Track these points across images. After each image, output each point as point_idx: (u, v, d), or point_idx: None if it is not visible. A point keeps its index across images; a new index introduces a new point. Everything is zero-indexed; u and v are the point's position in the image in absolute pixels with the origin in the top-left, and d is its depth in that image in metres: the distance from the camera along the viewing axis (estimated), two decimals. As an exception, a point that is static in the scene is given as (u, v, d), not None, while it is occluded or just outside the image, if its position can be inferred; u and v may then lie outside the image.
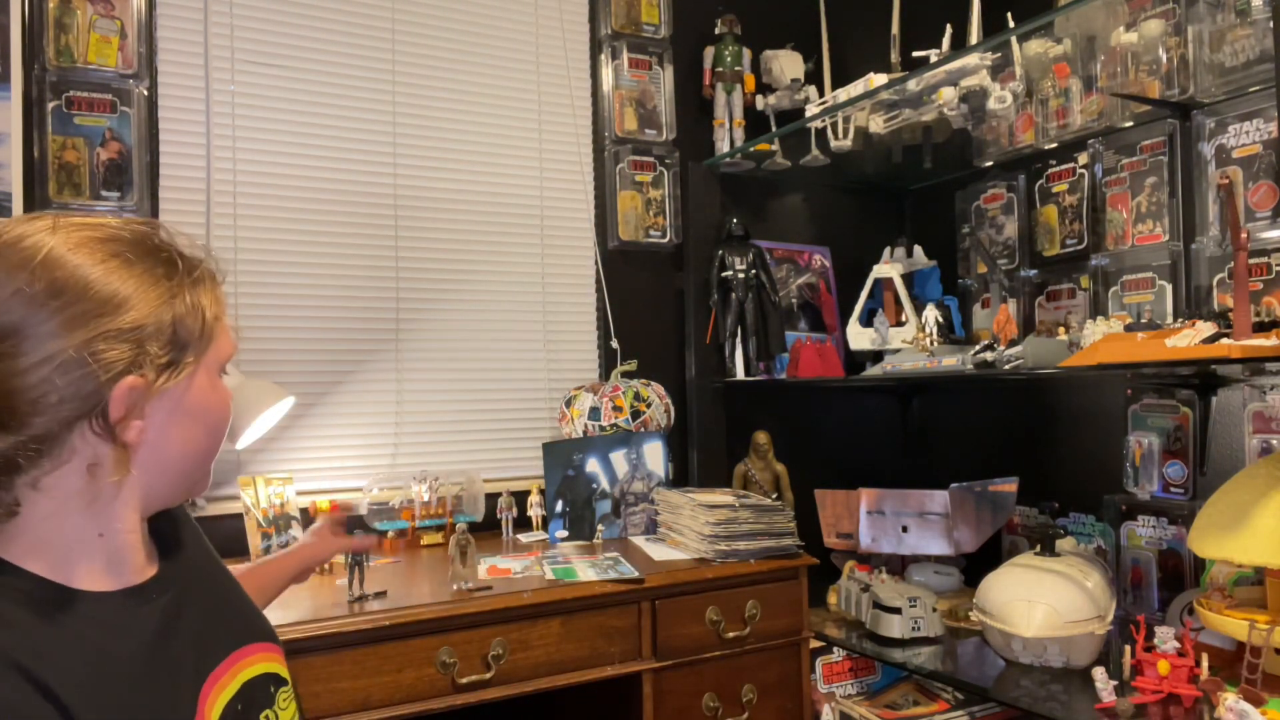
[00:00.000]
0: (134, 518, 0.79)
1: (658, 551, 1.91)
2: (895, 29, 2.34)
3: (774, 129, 2.46)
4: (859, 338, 2.40)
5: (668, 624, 1.70)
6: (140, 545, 0.80)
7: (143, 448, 0.76)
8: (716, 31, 2.51)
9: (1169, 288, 1.98)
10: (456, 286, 2.27)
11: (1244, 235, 1.44)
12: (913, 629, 1.92)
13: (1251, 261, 1.79)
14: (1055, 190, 2.26)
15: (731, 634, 1.75)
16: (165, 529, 0.88)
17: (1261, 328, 1.57)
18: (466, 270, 2.28)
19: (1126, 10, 2.00)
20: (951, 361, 1.91)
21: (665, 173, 2.48)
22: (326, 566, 1.79)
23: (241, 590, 0.94)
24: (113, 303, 0.72)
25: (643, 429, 2.17)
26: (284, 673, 0.90)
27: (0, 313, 0.69)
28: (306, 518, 1.99)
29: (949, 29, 2.09)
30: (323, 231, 2.12)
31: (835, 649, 2.00)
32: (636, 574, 1.69)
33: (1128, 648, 1.60)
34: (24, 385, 0.69)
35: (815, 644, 1.93)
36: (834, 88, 2.37)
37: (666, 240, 2.48)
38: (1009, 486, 2.16)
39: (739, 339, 2.40)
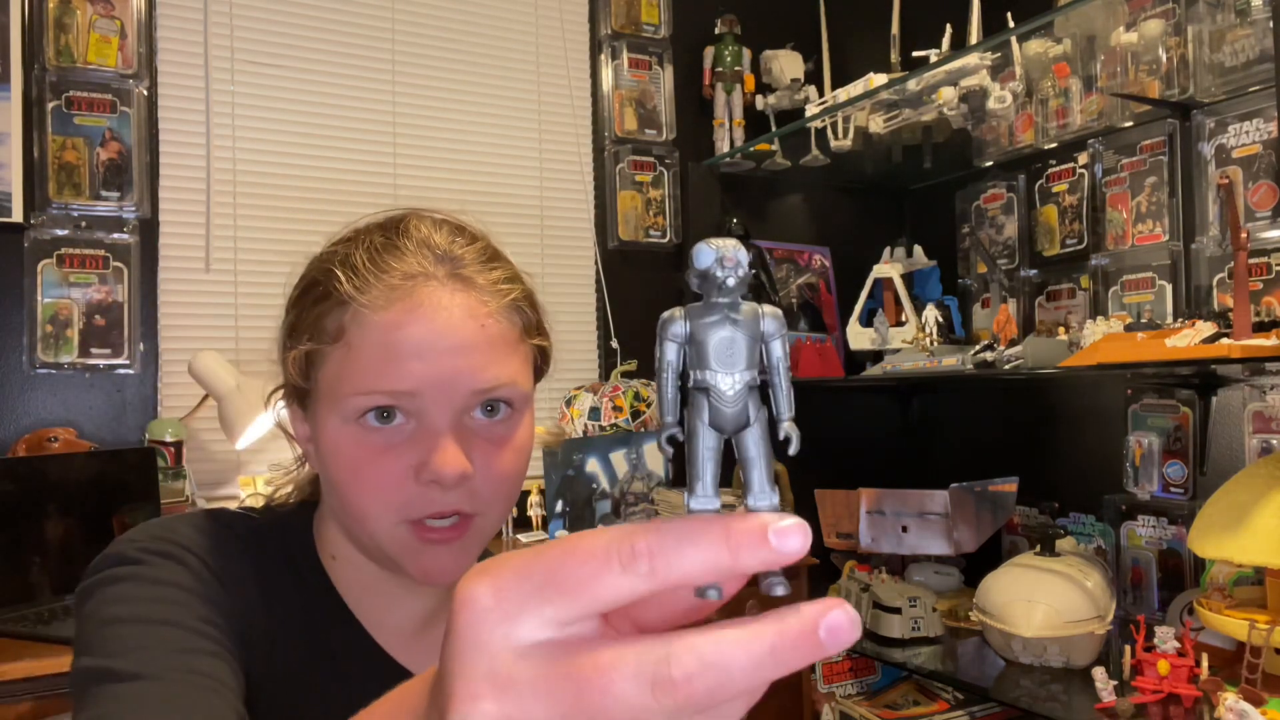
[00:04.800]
0: None
1: (658, 551, 1.91)
2: (895, 29, 2.34)
3: (774, 129, 2.46)
4: (859, 338, 2.40)
5: (668, 624, 1.70)
6: None
7: None
8: (716, 31, 2.51)
9: (1169, 288, 1.98)
10: (456, 286, 2.26)
11: (1244, 235, 1.44)
12: (913, 629, 1.91)
13: (1251, 261, 1.79)
14: (1055, 190, 2.26)
15: (731, 634, 1.75)
16: None
17: (1261, 328, 1.57)
18: (466, 270, 2.27)
19: (1126, 10, 2.00)
20: (951, 361, 1.90)
21: (665, 173, 2.48)
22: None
23: None
24: None
25: (643, 429, 2.16)
26: None
27: None
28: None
29: (949, 29, 2.09)
30: (323, 232, 2.10)
31: (835, 649, 1.99)
32: (636, 574, 1.69)
33: (1128, 648, 1.60)
34: None
35: (815, 644, 1.92)
36: (834, 88, 2.37)
37: (666, 240, 2.48)
38: (1009, 486, 2.16)
39: (739, 339, 2.39)
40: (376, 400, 0.64)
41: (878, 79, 2.04)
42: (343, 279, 0.66)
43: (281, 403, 0.74)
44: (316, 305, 0.68)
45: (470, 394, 0.66)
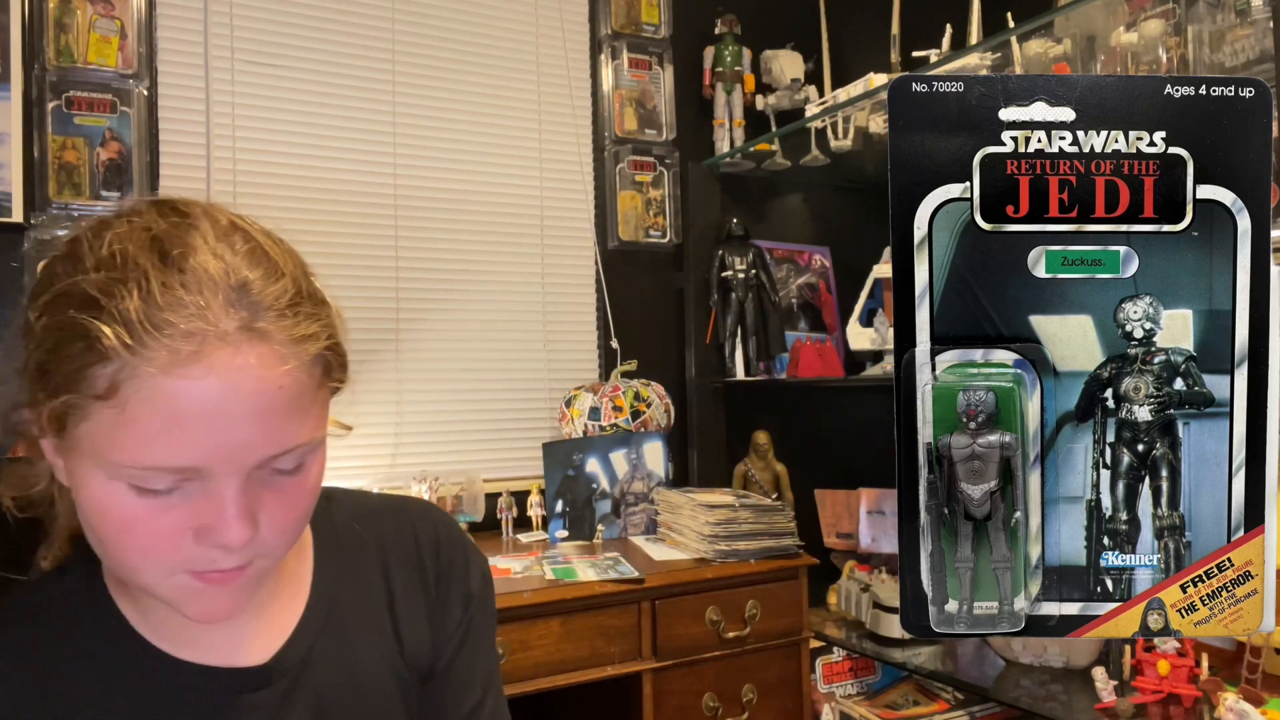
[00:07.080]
0: None
1: (658, 551, 1.91)
2: (895, 29, 2.34)
3: (774, 129, 2.46)
4: (859, 338, 2.40)
5: (668, 624, 1.70)
6: None
7: None
8: (716, 31, 2.51)
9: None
10: (456, 286, 2.26)
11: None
12: (913, 629, 1.92)
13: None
14: (1055, 190, 2.26)
15: (731, 634, 1.75)
16: None
17: None
18: (466, 270, 2.28)
19: (1126, 10, 2.00)
20: (951, 361, 1.90)
21: (665, 173, 2.48)
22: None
23: None
24: None
25: (643, 429, 2.17)
26: None
27: None
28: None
29: (949, 29, 2.09)
30: (323, 231, 2.12)
31: (835, 649, 2.00)
32: (636, 574, 1.69)
33: (1128, 648, 1.60)
34: None
35: (815, 644, 1.93)
36: (834, 88, 2.37)
37: (666, 240, 2.48)
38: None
39: (739, 339, 2.40)
40: (155, 475, 0.57)
41: (878, 79, 2.04)
42: (110, 334, 0.54)
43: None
44: (75, 352, 0.56)
45: (262, 459, 0.60)
